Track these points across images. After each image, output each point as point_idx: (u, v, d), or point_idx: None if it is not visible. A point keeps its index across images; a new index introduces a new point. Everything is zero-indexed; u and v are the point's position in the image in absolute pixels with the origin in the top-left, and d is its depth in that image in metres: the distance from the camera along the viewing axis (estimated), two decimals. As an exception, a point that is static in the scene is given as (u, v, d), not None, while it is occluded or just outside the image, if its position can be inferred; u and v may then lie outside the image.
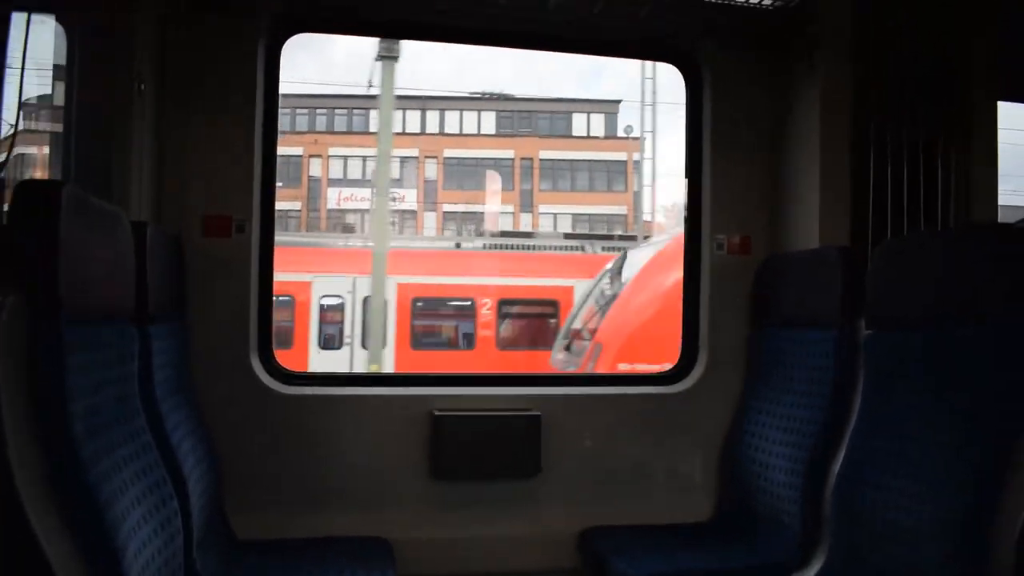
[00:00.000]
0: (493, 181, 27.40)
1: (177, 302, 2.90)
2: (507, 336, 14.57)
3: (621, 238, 17.89)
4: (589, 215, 32.55)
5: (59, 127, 2.89)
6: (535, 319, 14.63)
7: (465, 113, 34.20)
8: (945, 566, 2.01)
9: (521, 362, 13.54)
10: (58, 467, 1.63)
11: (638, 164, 26.79)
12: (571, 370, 11.70)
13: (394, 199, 31.24)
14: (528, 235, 19.41)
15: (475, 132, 34.22)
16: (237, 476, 3.05)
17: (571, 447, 3.36)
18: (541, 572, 3.31)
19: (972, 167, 3.27)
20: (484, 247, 16.77)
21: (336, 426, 3.24)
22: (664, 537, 3.22)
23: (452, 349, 14.50)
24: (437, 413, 3.24)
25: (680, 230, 12.37)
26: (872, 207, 3.20)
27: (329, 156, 31.77)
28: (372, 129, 33.24)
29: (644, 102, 25.07)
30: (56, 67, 2.88)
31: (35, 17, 2.54)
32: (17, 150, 2.66)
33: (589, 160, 33.44)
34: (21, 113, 2.58)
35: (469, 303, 14.40)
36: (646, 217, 25.91)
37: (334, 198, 31.65)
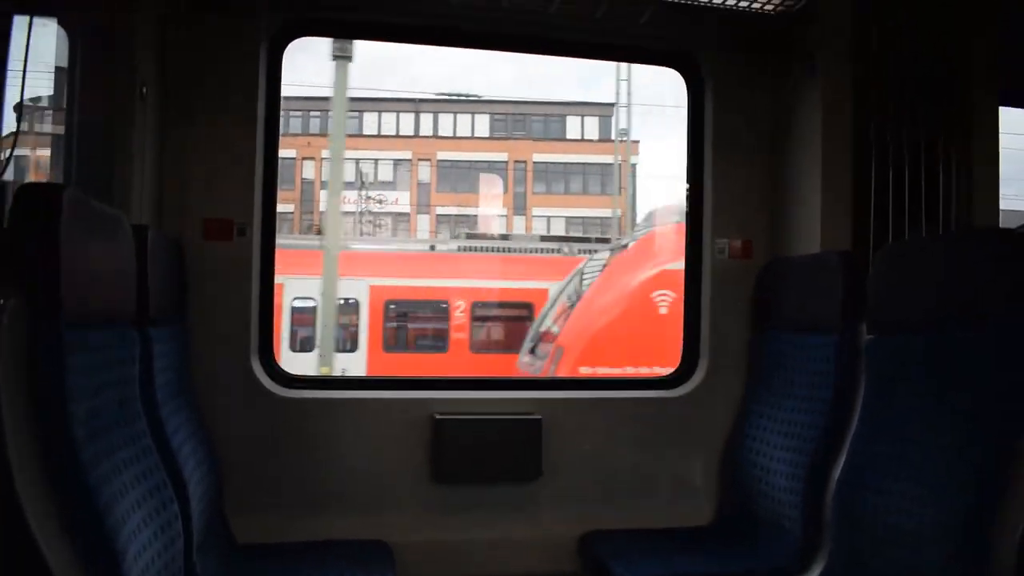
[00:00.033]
0: (491, 184, 27.41)
1: (178, 305, 2.90)
2: (481, 339, 14.47)
3: (598, 240, 17.77)
4: (583, 218, 32.53)
5: (60, 129, 2.90)
6: (509, 322, 14.50)
7: (459, 116, 34.25)
8: (946, 568, 2.00)
9: (495, 366, 13.42)
10: (58, 470, 1.63)
11: (621, 167, 26.69)
12: (536, 373, 11.68)
13: (380, 201, 31.32)
14: (504, 237, 19.35)
15: (469, 135, 34.26)
16: (238, 479, 3.05)
17: (572, 451, 3.36)
18: None
19: (973, 167, 3.26)
20: (459, 249, 16.64)
21: (337, 429, 3.23)
22: (664, 541, 3.21)
23: (425, 352, 14.36)
24: (438, 416, 3.24)
25: (649, 231, 12.28)
26: (874, 208, 3.20)
27: (323, 159, 31.81)
28: (367, 131, 33.37)
29: (619, 103, 25.09)
30: (58, 69, 2.88)
31: (37, 20, 2.54)
32: (17, 152, 2.66)
33: (583, 163, 33.37)
34: (22, 115, 2.58)
35: (443, 305, 14.27)
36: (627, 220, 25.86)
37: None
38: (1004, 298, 2.06)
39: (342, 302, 13.74)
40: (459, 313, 14.16)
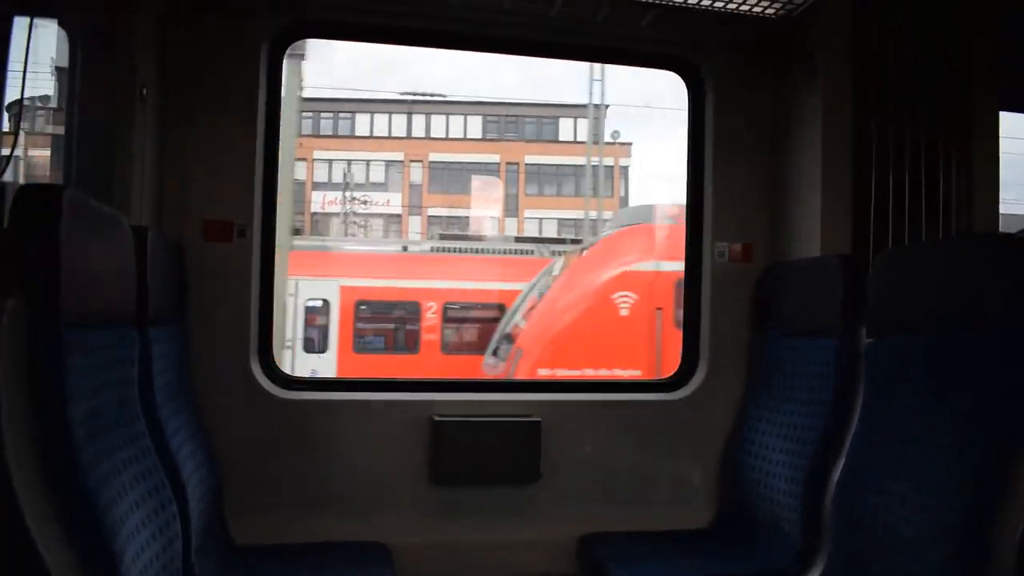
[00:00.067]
0: (489, 187, 27.37)
1: (177, 306, 2.90)
2: (452, 340, 14.36)
3: (573, 242, 17.68)
4: (574, 220, 32.60)
5: (60, 130, 2.90)
6: (481, 323, 14.37)
7: (451, 117, 34.25)
8: (946, 569, 2.00)
9: (465, 367, 13.30)
10: (57, 470, 1.63)
11: (597, 168, 26.66)
12: (498, 374, 11.62)
13: (364, 203, 31.30)
14: (477, 238, 19.26)
15: (461, 136, 34.26)
16: (236, 481, 3.04)
17: (571, 453, 3.36)
18: None
19: (973, 168, 3.27)
20: (431, 250, 16.53)
21: (336, 431, 3.23)
22: (663, 544, 3.21)
23: (396, 353, 14.25)
24: (437, 418, 3.24)
25: (612, 232, 12.17)
26: (874, 209, 3.20)
27: (314, 160, 31.83)
28: (359, 132, 33.37)
29: (592, 103, 24.99)
30: (58, 70, 2.88)
31: (37, 21, 2.54)
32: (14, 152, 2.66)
33: (575, 165, 33.33)
34: (22, 115, 2.58)
35: (414, 306, 14.15)
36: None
37: (318, 201, 31.63)
38: (1004, 298, 2.06)
39: (316, 303, 13.62)
40: (430, 314, 14.04)
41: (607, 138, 33.33)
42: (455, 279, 14.33)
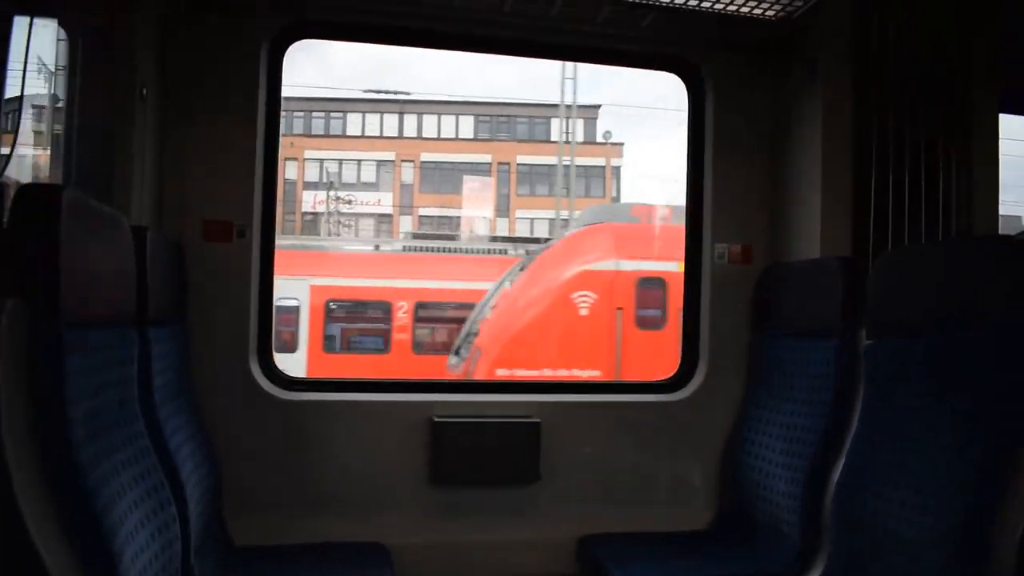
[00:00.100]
0: (480, 187, 27.31)
1: (177, 306, 2.90)
2: (423, 340, 14.14)
3: (547, 241, 17.63)
4: (565, 220, 32.57)
5: (60, 130, 2.90)
6: (453, 323, 14.07)
7: (443, 117, 34.21)
8: (946, 569, 2.00)
9: (437, 368, 13.05)
10: (57, 470, 1.63)
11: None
12: (459, 374, 11.50)
13: (348, 202, 31.25)
14: (450, 237, 19.10)
15: (453, 136, 34.23)
16: (236, 481, 3.04)
17: (571, 454, 3.36)
18: None
19: (973, 168, 3.27)
20: (403, 249, 16.34)
21: (335, 432, 3.23)
22: (663, 545, 3.21)
23: (365, 353, 14.03)
24: (437, 419, 3.24)
25: (574, 231, 12.04)
26: (874, 209, 3.20)
27: (305, 159, 31.80)
28: (350, 132, 33.32)
29: (563, 103, 24.89)
30: (58, 70, 2.88)
31: (38, 21, 2.54)
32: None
33: (567, 165, 33.50)
34: (22, 115, 2.58)
35: (385, 306, 13.91)
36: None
37: (309, 201, 31.59)
38: (1004, 298, 2.06)
39: (285, 302, 13.34)
40: (401, 314, 13.81)
41: (599, 138, 33.45)
42: (427, 278, 14.11)
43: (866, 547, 2.30)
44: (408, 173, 33.75)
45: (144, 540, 1.90)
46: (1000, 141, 3.41)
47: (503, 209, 32.11)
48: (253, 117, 3.18)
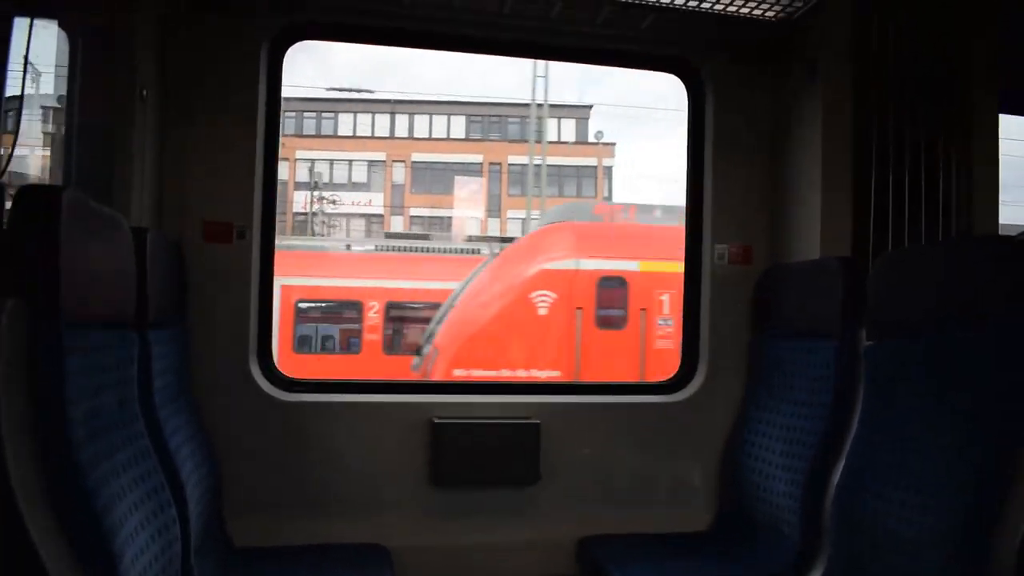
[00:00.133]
0: (471, 187, 27.26)
1: (177, 307, 2.90)
2: (395, 340, 13.96)
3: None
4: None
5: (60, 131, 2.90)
6: (424, 323, 13.78)
7: (435, 117, 34.19)
8: (946, 570, 2.00)
9: (407, 368, 12.80)
10: (56, 471, 1.62)
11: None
12: (421, 375, 11.39)
13: (333, 202, 31.20)
14: (424, 237, 18.97)
15: (444, 136, 34.23)
16: (236, 482, 3.04)
17: (571, 455, 3.35)
18: None
19: (973, 168, 3.27)
20: (376, 249, 16.16)
21: (335, 433, 3.23)
22: (663, 546, 3.21)
23: (336, 353, 13.93)
24: (437, 420, 3.24)
25: (536, 230, 11.84)
26: (874, 209, 3.20)
27: (296, 160, 31.78)
28: (341, 132, 33.29)
29: (534, 101, 24.76)
30: (58, 70, 2.88)
31: (37, 22, 2.54)
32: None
33: (559, 165, 33.23)
34: (22, 116, 2.58)
35: (356, 306, 13.69)
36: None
37: (300, 201, 31.53)
38: (1004, 298, 2.06)
39: None
40: (372, 314, 13.62)
41: (591, 138, 33.48)
42: (399, 278, 13.94)
43: (866, 548, 2.30)
44: (399, 173, 33.73)
45: (144, 541, 1.90)
46: (1000, 141, 3.41)
47: (494, 209, 32.08)
48: (253, 117, 3.18)
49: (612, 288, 11.32)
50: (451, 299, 12.19)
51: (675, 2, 3.15)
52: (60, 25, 2.81)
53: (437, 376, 10.62)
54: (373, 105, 33.18)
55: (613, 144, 34.08)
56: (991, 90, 3.31)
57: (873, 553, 2.27)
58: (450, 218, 28.75)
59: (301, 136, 32.76)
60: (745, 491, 3.22)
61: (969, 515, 1.97)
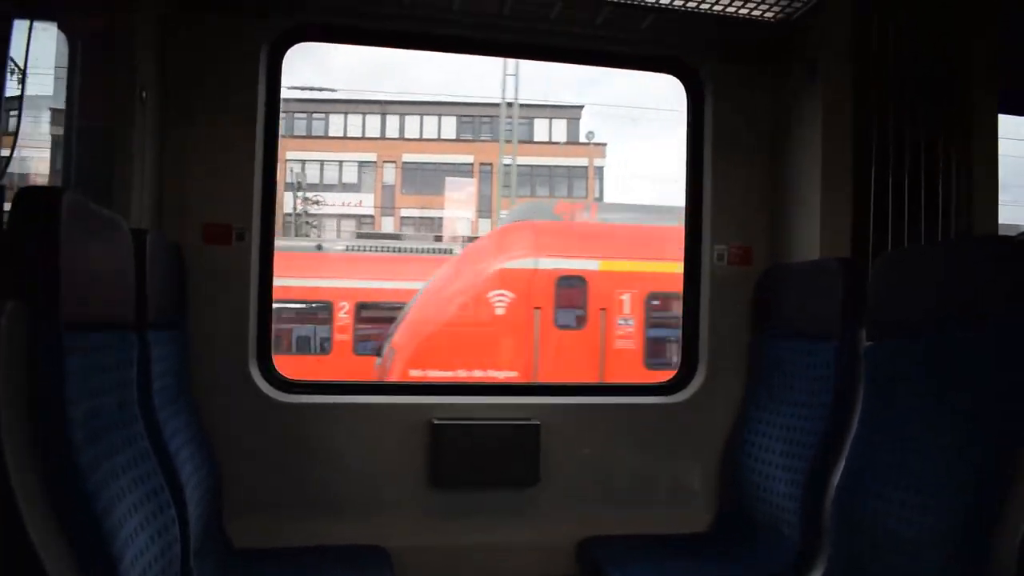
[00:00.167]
0: (462, 188, 27.17)
1: (177, 309, 2.90)
2: (364, 341, 13.67)
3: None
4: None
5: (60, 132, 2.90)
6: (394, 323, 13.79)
7: (426, 118, 34.13)
8: (946, 570, 2.00)
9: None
10: (56, 472, 1.62)
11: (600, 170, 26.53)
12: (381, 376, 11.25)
13: (316, 202, 31.20)
14: (395, 236, 18.84)
15: (435, 136, 34.18)
16: (235, 484, 3.04)
17: (570, 456, 3.35)
18: None
19: (973, 168, 3.27)
20: (347, 249, 15.92)
21: (335, 434, 3.23)
22: (663, 547, 3.21)
23: (306, 354, 13.72)
24: (436, 421, 3.24)
25: (495, 230, 11.75)
26: (874, 209, 3.20)
27: (287, 160, 31.73)
28: (332, 133, 33.23)
29: (504, 99, 24.67)
30: (57, 71, 2.88)
31: (37, 24, 2.54)
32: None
33: (550, 166, 33.17)
34: (22, 118, 2.58)
35: (326, 306, 13.49)
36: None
37: (290, 202, 31.51)
38: (1004, 298, 2.06)
39: None
40: (342, 314, 13.41)
41: (582, 138, 33.48)
42: (370, 278, 13.76)
43: (866, 548, 2.30)
44: (390, 174, 33.69)
45: (144, 542, 1.89)
46: (1000, 141, 3.41)
47: (485, 210, 32.05)
48: (253, 118, 3.18)
49: (571, 287, 11.15)
50: (414, 299, 12.06)
51: (674, 3, 3.15)
52: (60, 27, 2.81)
53: (394, 376, 10.51)
54: (364, 106, 33.13)
55: (604, 144, 34.08)
56: (991, 90, 3.31)
57: (873, 553, 2.27)
58: (441, 219, 28.72)
59: (292, 137, 32.69)
60: (745, 491, 3.22)
61: (969, 515, 1.97)
